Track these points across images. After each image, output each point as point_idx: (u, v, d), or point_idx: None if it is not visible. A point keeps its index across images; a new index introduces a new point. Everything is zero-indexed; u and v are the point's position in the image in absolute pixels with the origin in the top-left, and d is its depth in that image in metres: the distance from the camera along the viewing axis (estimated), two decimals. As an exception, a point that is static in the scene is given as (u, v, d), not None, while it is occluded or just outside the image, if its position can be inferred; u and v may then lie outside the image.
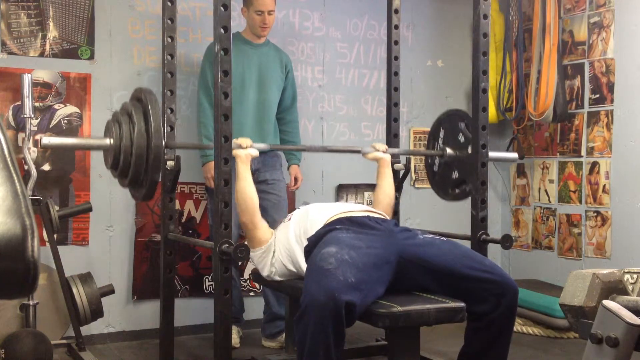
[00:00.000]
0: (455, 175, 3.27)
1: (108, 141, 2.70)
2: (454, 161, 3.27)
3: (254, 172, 3.75)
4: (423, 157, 4.69)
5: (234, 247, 2.44)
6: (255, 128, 3.70)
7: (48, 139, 2.67)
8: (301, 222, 2.82)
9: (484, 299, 2.51)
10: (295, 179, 3.91)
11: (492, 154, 3.24)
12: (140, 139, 2.63)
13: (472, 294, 2.51)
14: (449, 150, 3.30)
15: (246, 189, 2.85)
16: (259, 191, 3.01)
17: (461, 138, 3.23)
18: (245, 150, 2.88)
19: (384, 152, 3.28)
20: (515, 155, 3.56)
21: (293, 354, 2.94)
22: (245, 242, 2.79)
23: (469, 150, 3.12)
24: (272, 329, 3.75)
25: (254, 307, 4.04)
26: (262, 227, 2.88)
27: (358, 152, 3.36)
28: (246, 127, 3.66)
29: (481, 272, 2.52)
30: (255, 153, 2.92)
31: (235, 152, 2.84)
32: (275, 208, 3.71)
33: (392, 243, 2.57)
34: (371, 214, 2.80)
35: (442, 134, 3.38)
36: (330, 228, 2.66)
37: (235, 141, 2.87)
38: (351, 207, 2.87)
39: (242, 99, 3.64)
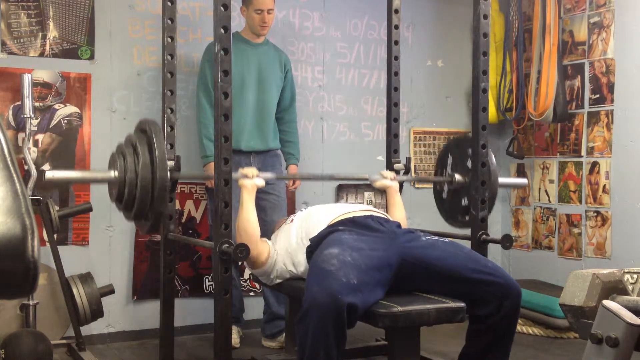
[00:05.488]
0: (464, 202, 3.18)
1: (112, 174, 2.65)
2: (463, 188, 3.19)
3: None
4: (423, 158, 4.71)
5: (234, 247, 2.43)
6: (254, 128, 3.70)
7: (52, 173, 2.61)
8: (303, 224, 2.81)
9: (487, 302, 2.51)
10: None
11: (501, 180, 3.22)
12: (145, 170, 2.59)
13: (475, 296, 2.50)
14: (457, 177, 3.23)
15: (249, 219, 2.77)
16: (258, 191, 3.00)
17: (470, 164, 3.16)
18: (252, 180, 2.84)
19: (391, 179, 3.23)
20: (524, 180, 3.49)
21: (293, 354, 2.94)
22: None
23: None
24: (272, 329, 3.75)
25: (254, 307, 4.04)
26: (262, 249, 2.81)
27: (365, 180, 3.31)
28: (245, 126, 3.66)
29: (484, 274, 2.51)
30: (261, 183, 2.88)
31: (241, 182, 2.83)
32: (275, 208, 3.70)
33: (394, 245, 2.56)
34: (374, 214, 2.79)
35: (450, 160, 3.35)
36: (332, 229, 2.65)
37: (241, 171, 2.86)
38: (353, 208, 2.86)
39: (242, 98, 3.63)
